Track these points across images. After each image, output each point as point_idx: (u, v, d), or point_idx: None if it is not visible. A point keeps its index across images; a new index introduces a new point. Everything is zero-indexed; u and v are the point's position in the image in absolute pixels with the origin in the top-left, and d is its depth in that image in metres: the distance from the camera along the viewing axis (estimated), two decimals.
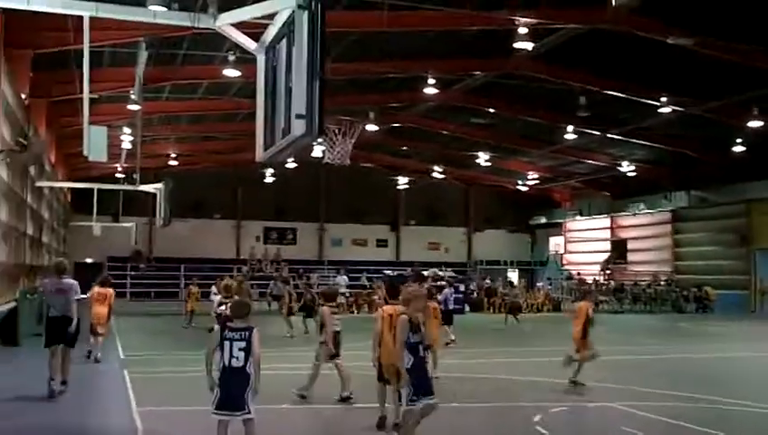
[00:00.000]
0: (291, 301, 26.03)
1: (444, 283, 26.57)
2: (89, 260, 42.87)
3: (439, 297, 21.73)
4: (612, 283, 46.50)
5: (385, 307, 10.79)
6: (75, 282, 12.99)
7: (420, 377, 8.28)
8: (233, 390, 7.67)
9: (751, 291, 40.56)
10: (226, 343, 7.75)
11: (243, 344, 7.73)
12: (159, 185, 24.37)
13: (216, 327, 8.41)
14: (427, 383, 8.28)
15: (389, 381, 10.17)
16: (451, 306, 22.04)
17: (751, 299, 40.46)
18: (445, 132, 40.45)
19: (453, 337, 20.85)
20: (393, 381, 9.99)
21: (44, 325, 13.17)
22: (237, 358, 7.70)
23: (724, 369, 18.30)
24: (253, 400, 7.73)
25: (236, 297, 13.03)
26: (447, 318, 21.42)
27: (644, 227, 48.60)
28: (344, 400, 12.00)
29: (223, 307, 15.95)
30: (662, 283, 44.28)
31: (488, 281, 44.49)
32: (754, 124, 30.81)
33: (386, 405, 10.38)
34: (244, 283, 24.44)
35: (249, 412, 7.68)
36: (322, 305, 13.14)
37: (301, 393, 12.19)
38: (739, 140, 35.03)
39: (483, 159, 43.15)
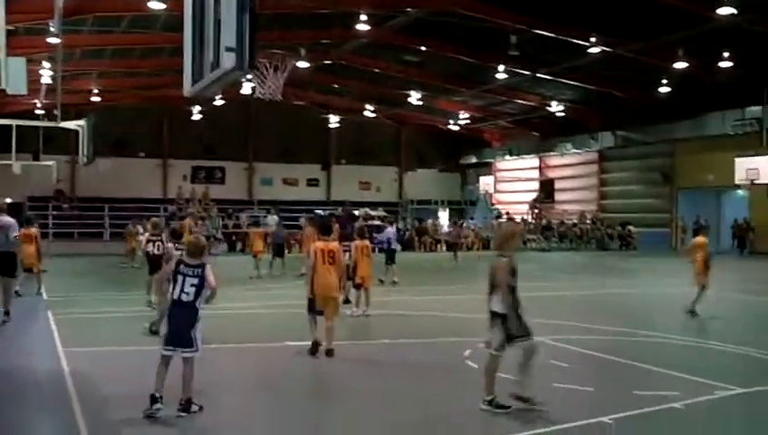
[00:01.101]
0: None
1: (380, 222, 26.60)
2: (8, 200, 41.41)
3: (380, 237, 21.91)
4: (543, 221, 47.33)
5: (317, 243, 11.38)
6: (13, 220, 14.00)
7: (517, 319, 8.16)
8: (180, 324, 7.87)
9: (672, 229, 41.82)
10: (179, 278, 7.94)
11: (195, 281, 7.92)
12: (81, 122, 23.64)
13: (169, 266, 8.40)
14: (525, 324, 8.18)
15: (322, 312, 11.00)
16: (393, 245, 22.06)
17: (672, 237, 41.73)
18: (377, 70, 40.08)
19: (396, 279, 20.93)
20: (326, 311, 10.97)
21: None
22: (188, 293, 7.89)
23: (645, 303, 18.89)
24: (200, 333, 7.91)
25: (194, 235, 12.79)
26: (390, 257, 21.54)
27: (571, 166, 49.44)
28: (154, 332, 11.71)
29: (150, 245, 15.68)
30: (588, 221, 45.26)
31: (431, 222, 44.84)
32: (680, 65, 31.32)
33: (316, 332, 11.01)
34: (198, 222, 24.32)
35: (195, 350, 7.87)
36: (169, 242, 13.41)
37: (152, 328, 12.13)
38: (665, 81, 35.64)
39: (414, 97, 43.01)
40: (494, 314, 8.30)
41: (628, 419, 7.88)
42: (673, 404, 8.34)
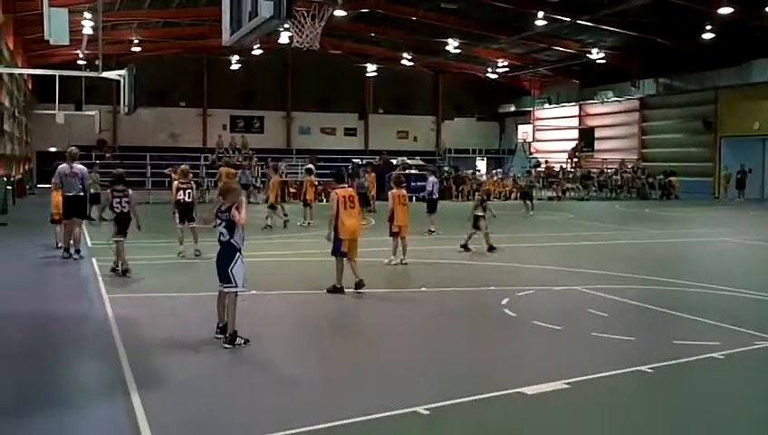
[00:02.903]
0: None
1: (417, 171, 26.41)
2: (52, 149, 42.17)
3: (428, 186, 21.90)
4: (579, 170, 46.85)
5: (338, 190, 12.01)
6: (85, 168, 15.54)
7: None
8: (220, 262, 8.71)
9: (715, 177, 41.22)
10: (218, 222, 8.75)
11: (225, 223, 8.66)
12: (123, 72, 23.70)
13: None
14: None
15: (346, 254, 11.74)
16: (435, 195, 21.91)
17: (715, 186, 41.16)
18: (414, 18, 39.68)
19: (432, 228, 20.90)
20: (351, 252, 11.79)
21: (62, 203, 15.36)
22: (223, 234, 8.70)
23: (687, 253, 18.74)
24: (238, 272, 8.59)
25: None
26: (432, 206, 21.51)
27: (612, 114, 48.76)
28: (124, 272, 13.26)
29: (181, 193, 15.79)
30: (628, 170, 44.72)
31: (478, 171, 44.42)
32: (724, 11, 30.53)
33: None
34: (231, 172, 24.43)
35: (233, 285, 8.58)
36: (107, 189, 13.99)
37: (112, 267, 13.57)
38: (708, 27, 34.82)
39: (452, 46, 42.54)
40: None
41: (668, 368, 7.89)
42: (712, 354, 8.32)
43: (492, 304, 11.05)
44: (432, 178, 22.51)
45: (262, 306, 10.77)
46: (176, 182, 16.47)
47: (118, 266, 13.40)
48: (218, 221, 8.72)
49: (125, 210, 13.40)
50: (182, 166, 17.59)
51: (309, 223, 23.01)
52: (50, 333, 9.49)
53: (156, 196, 32.99)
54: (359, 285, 11.78)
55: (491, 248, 16.92)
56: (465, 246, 17.09)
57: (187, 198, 15.77)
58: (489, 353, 8.74)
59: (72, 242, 15.35)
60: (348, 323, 10.68)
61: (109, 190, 13.54)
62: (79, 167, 15.34)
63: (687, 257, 18.10)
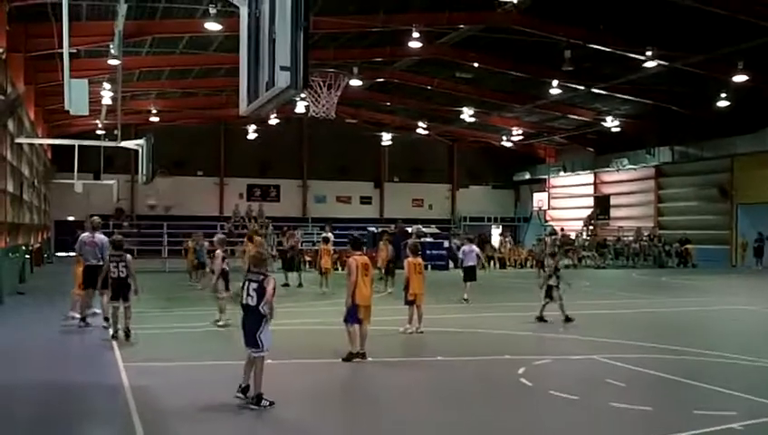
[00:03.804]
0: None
1: (460, 241, 26.54)
2: (70, 218, 42.56)
3: (459, 254, 21.92)
4: (595, 238, 46.65)
5: (356, 257, 12.13)
6: (106, 238, 15.35)
7: None
8: (247, 327, 8.93)
9: (732, 245, 40.91)
10: (246, 283, 8.99)
11: (255, 285, 8.89)
12: (141, 141, 24.08)
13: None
14: None
15: (361, 322, 11.83)
16: (471, 263, 21.70)
17: (732, 253, 40.82)
18: (429, 87, 40.17)
19: (466, 296, 20.81)
20: (365, 320, 11.89)
21: (82, 272, 15.56)
22: (252, 297, 8.86)
23: (705, 322, 18.50)
24: (266, 336, 8.82)
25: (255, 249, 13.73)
26: (468, 275, 21.37)
27: (627, 182, 48.75)
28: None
29: (225, 262, 15.90)
30: (645, 238, 44.51)
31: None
32: (739, 78, 30.71)
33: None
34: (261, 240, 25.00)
35: (261, 350, 8.82)
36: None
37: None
38: (724, 95, 34.98)
39: (467, 114, 42.91)
40: None
41: None
42: (731, 425, 8.15)
43: (508, 374, 10.91)
44: (466, 247, 22.31)
45: (278, 375, 10.67)
46: (219, 251, 16.37)
47: (117, 332, 13.54)
48: (245, 283, 8.92)
49: (122, 275, 13.63)
50: (220, 235, 17.95)
51: (324, 292, 23.05)
52: (65, 401, 9.42)
53: (172, 264, 33.04)
54: (363, 355, 11.78)
55: (567, 319, 16.52)
56: (540, 318, 16.74)
57: (228, 268, 15.96)
58: (506, 424, 8.60)
59: (88, 311, 15.40)
60: (362, 393, 10.52)
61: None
62: (99, 237, 15.48)
63: (705, 326, 17.87)
